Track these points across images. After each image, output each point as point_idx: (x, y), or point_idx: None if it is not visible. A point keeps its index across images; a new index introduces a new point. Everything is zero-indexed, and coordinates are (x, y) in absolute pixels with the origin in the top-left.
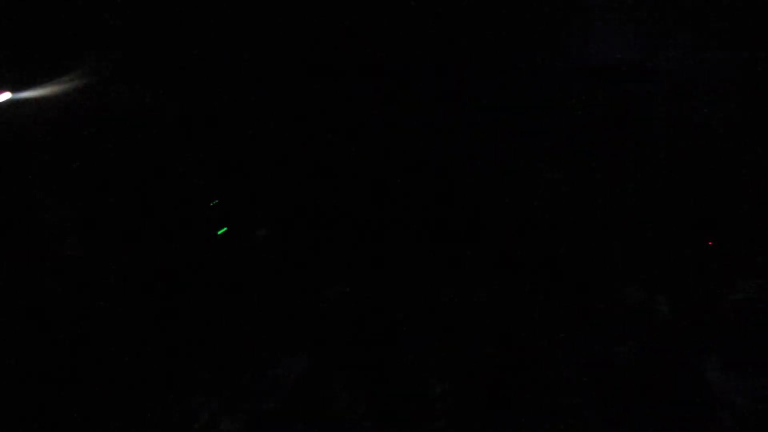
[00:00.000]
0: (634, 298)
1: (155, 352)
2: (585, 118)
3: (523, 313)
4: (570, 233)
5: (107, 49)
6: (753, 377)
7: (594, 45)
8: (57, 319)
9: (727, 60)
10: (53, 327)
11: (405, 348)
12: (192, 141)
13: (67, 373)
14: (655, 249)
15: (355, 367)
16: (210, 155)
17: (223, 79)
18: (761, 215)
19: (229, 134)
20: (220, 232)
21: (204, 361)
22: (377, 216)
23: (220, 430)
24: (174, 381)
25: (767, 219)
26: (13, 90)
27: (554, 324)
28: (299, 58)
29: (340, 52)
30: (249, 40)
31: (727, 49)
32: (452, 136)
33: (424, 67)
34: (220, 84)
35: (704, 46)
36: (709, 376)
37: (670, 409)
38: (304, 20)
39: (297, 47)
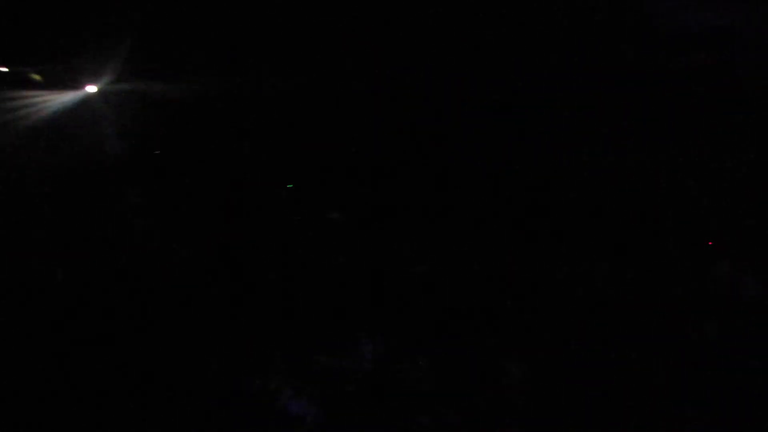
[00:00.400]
0: (721, 276)
1: (233, 332)
2: (668, 90)
3: (604, 292)
4: (656, 209)
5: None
6: None
7: (675, 9)
8: (131, 295)
9: None
10: (128, 303)
11: (484, 330)
12: (266, 128)
13: (140, 350)
14: (743, 227)
15: (434, 350)
16: (281, 140)
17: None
18: None
19: (300, 120)
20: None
21: (282, 343)
22: (453, 200)
23: (298, 412)
24: (252, 363)
25: None
26: (97, 83)
27: (637, 302)
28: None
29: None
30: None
31: None
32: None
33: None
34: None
35: None
36: None
37: (754, 390)
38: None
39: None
